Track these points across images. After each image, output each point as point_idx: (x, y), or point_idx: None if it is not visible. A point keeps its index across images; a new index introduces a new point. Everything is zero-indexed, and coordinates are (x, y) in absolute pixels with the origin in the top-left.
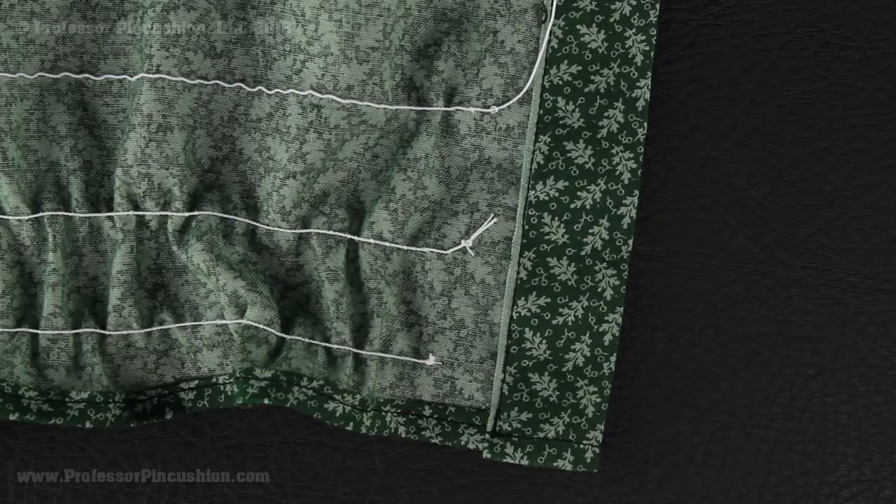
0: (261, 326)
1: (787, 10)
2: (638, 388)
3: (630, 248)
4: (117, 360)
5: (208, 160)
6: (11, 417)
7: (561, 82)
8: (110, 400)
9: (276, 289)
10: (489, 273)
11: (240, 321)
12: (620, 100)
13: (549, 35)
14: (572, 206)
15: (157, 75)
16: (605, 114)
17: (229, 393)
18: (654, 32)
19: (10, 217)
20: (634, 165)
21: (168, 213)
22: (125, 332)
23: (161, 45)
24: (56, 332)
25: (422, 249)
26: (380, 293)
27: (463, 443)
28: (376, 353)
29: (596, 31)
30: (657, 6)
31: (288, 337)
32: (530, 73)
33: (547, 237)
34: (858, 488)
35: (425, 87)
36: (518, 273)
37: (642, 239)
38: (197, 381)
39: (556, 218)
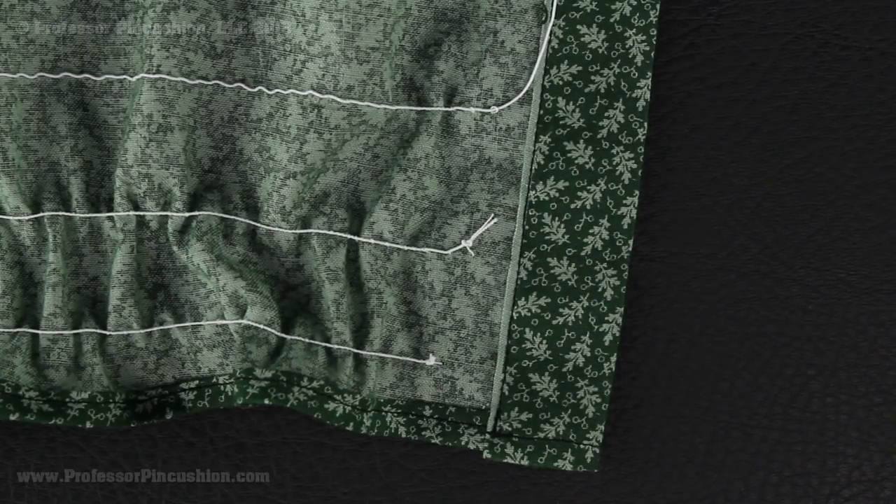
0: (261, 327)
1: (787, 10)
2: (638, 388)
3: (630, 249)
4: (117, 361)
5: (208, 160)
6: (12, 417)
7: (561, 82)
8: (111, 400)
9: (277, 289)
10: (489, 273)
11: (240, 321)
12: (621, 100)
13: (550, 35)
14: (572, 206)
15: (157, 75)
16: (606, 114)
17: (229, 393)
18: (655, 32)
19: (11, 217)
20: (635, 165)
21: (168, 214)
22: (125, 333)
23: (161, 46)
24: (56, 332)
25: (422, 249)
26: (380, 293)
27: (463, 443)
28: (376, 354)
29: (596, 31)
30: (657, 6)
31: (288, 337)
32: (530, 74)
33: (547, 237)
34: (859, 488)
35: (425, 88)
36: (518, 273)
37: (642, 239)
38: (197, 382)
39: (557, 218)
